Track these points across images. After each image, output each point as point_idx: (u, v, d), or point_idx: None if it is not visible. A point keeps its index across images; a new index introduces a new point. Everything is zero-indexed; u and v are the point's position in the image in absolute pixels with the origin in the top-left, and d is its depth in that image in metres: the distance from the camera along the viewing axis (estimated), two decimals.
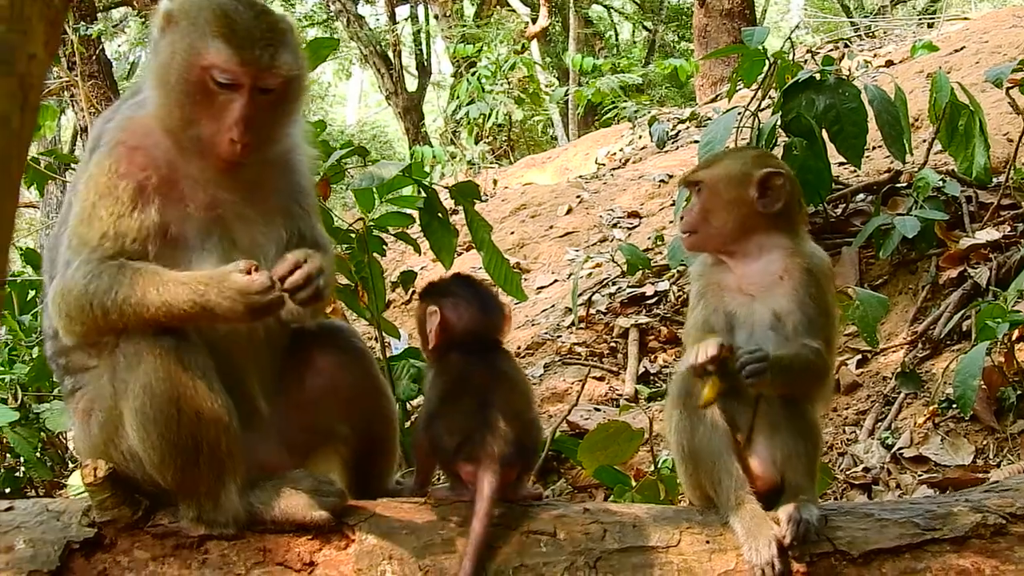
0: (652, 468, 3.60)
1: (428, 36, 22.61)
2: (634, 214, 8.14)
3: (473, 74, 14.47)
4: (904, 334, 4.90)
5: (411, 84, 21.94)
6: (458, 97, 14.56)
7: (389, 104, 21.49)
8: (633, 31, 27.17)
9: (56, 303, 2.52)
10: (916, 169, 5.65)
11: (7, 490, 4.89)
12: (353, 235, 4.35)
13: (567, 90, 15.28)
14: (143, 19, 16.32)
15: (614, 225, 8.02)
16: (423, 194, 4.33)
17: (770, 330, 2.61)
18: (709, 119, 8.71)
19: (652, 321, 5.91)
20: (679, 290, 6.04)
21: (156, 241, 2.50)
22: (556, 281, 7.31)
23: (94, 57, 13.91)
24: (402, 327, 5.62)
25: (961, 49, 8.52)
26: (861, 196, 5.96)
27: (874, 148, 6.31)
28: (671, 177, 8.41)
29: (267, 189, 2.67)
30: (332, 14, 21.11)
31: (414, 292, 6.55)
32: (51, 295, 2.57)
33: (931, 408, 4.24)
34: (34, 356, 4.89)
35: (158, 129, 2.53)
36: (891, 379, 4.62)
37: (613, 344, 5.86)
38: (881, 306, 4.31)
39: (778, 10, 29.39)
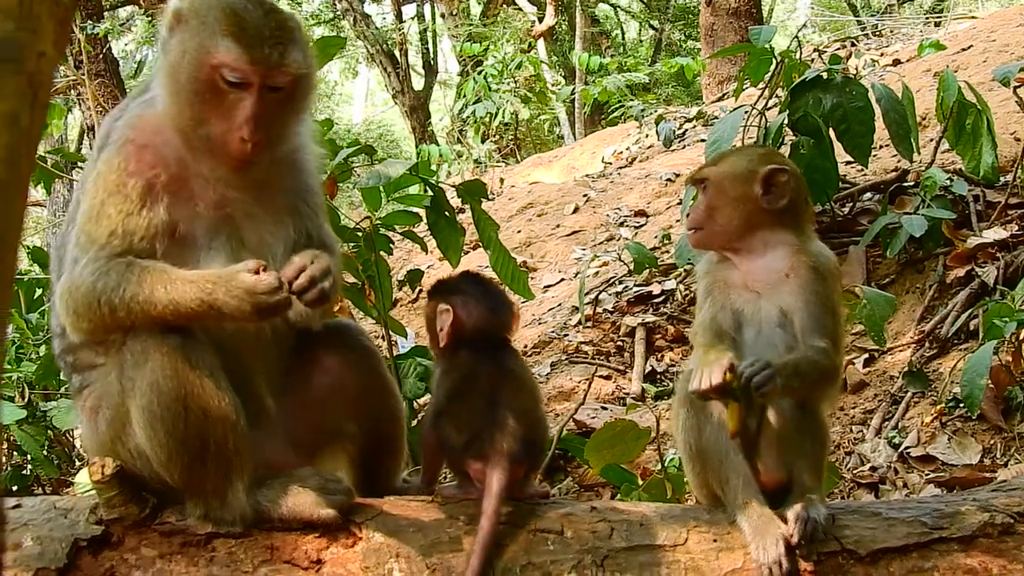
0: (659, 467, 3.60)
1: (435, 35, 22.61)
2: (641, 213, 8.13)
3: (480, 73, 14.49)
4: (911, 333, 4.89)
5: (417, 83, 21.94)
6: (465, 96, 14.57)
7: (396, 103, 21.53)
8: (640, 30, 27.16)
9: (64, 300, 2.52)
10: (923, 168, 5.62)
11: (14, 488, 4.88)
12: (360, 234, 4.35)
13: (573, 89, 15.28)
14: (150, 17, 16.36)
15: (621, 224, 8.01)
16: (430, 193, 4.33)
17: (778, 327, 2.61)
18: (716, 118, 8.70)
19: (659, 320, 5.91)
20: (686, 289, 6.03)
21: (164, 239, 2.50)
22: (563, 280, 7.31)
23: (101, 56, 13.96)
24: (409, 325, 5.62)
25: (968, 48, 8.51)
26: (868, 195, 5.94)
27: (881, 147, 6.30)
28: (678, 176, 8.40)
29: (275, 188, 2.67)
30: (339, 13, 21.15)
31: (421, 290, 6.57)
32: (59, 292, 2.57)
33: (938, 407, 4.23)
34: (41, 354, 4.89)
35: (167, 127, 2.53)
36: (898, 378, 4.61)
37: (620, 343, 5.86)
38: (888, 305, 4.30)
39: (785, 9, 29.37)
